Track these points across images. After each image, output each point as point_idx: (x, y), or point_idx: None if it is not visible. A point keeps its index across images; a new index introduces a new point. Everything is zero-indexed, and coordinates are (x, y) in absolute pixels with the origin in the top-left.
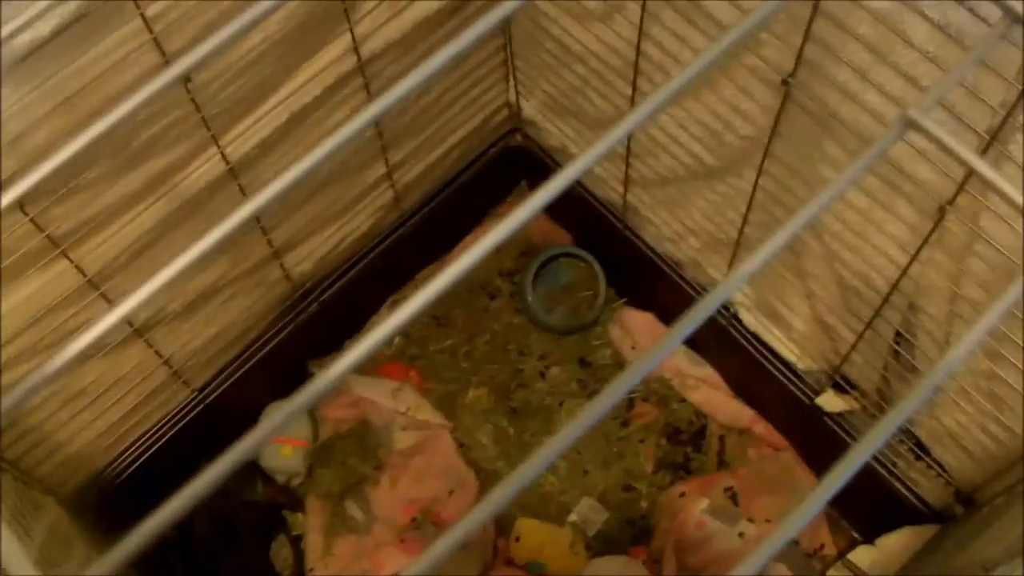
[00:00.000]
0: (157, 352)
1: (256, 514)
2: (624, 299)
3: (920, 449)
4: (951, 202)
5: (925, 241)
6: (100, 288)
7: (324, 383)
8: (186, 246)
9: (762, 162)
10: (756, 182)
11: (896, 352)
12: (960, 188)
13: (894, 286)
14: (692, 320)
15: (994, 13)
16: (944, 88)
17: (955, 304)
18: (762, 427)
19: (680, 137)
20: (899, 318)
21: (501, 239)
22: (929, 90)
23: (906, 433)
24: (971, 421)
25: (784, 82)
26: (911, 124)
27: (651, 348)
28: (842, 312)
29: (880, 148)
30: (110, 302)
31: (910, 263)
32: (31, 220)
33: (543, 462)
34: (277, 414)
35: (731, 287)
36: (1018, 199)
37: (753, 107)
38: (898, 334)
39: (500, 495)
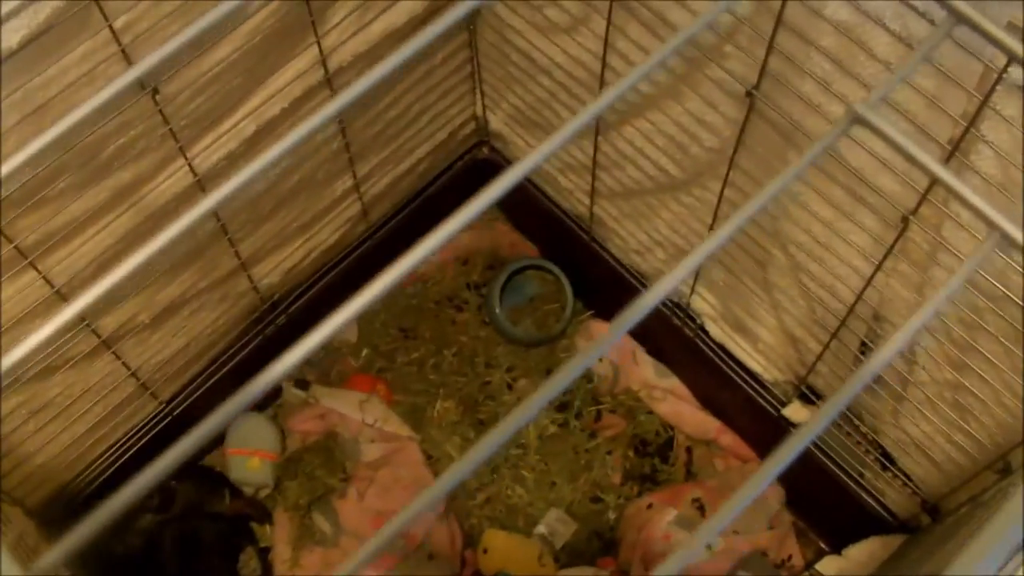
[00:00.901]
0: (125, 364)
1: (223, 526)
2: (591, 312)
3: (886, 459)
4: (914, 212)
5: (889, 251)
6: (67, 300)
7: (275, 374)
8: (153, 259)
9: (727, 174)
10: (721, 193)
11: (861, 362)
12: (923, 198)
13: (859, 297)
14: (640, 308)
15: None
16: (891, 84)
17: (918, 314)
18: (729, 438)
19: (646, 149)
20: (864, 328)
21: (454, 231)
22: (876, 87)
23: (872, 443)
24: (936, 431)
25: (748, 94)
26: (858, 120)
27: (600, 336)
28: (808, 323)
29: (828, 142)
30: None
31: (874, 273)
32: None
33: (494, 444)
34: (238, 420)
35: (677, 277)
36: (979, 205)
37: (718, 119)
38: (863, 344)
39: (450, 478)
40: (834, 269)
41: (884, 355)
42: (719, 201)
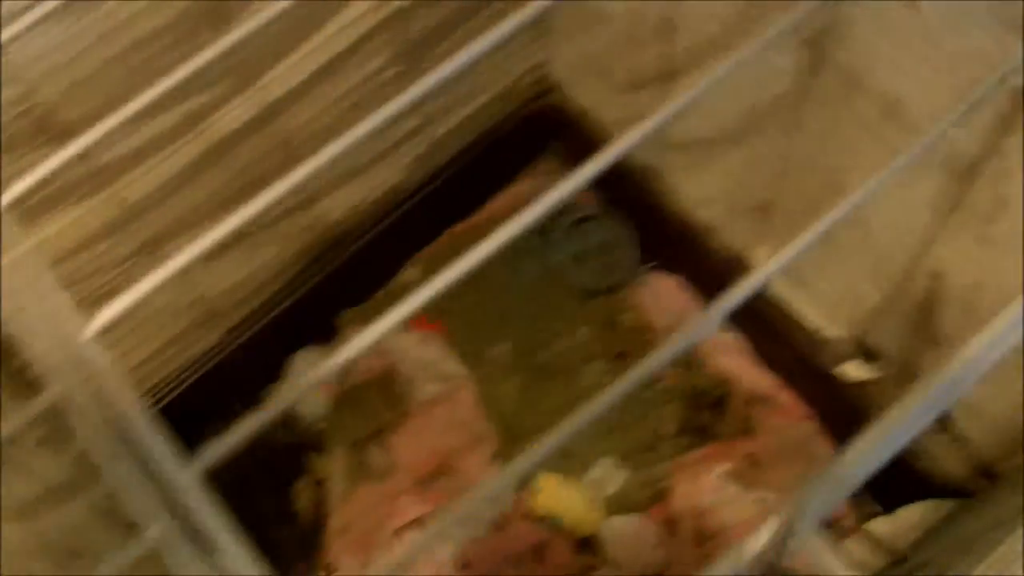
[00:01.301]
0: (190, 289)
1: (278, 456)
2: (653, 263)
3: (943, 419)
4: (981, 161)
5: (955, 203)
6: (135, 222)
7: (363, 343)
8: (217, 190)
9: (792, 123)
10: (787, 144)
11: (921, 319)
12: (990, 147)
13: (923, 250)
14: (730, 300)
15: None
16: None
17: (982, 270)
18: (785, 395)
19: (713, 95)
20: (926, 283)
21: (539, 215)
22: None
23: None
24: (997, 390)
25: (818, 39)
26: None
27: (689, 324)
28: (870, 277)
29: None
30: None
31: (939, 226)
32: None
33: (570, 430)
34: (318, 366)
35: (770, 271)
36: None
37: (788, 63)
38: (925, 301)
39: (526, 462)
40: (897, 221)
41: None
42: (784, 152)
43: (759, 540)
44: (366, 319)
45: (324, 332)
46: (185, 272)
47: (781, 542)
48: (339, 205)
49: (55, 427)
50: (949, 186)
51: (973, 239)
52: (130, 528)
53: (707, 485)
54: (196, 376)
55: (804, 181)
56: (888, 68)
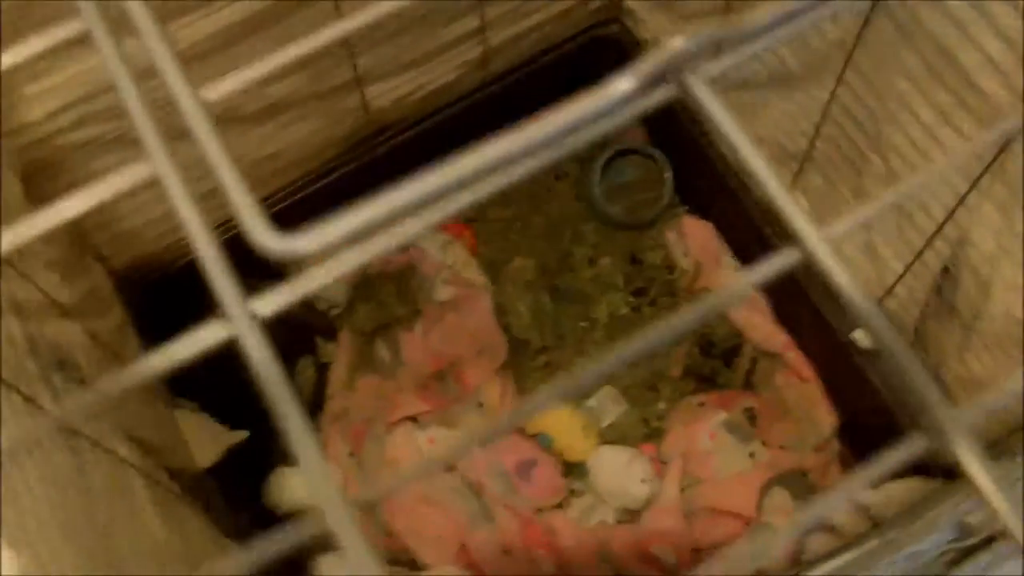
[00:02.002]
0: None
1: (288, 329)
2: (686, 207)
3: (945, 396)
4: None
5: (987, 168)
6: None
7: (393, 239)
8: (270, 49)
9: (843, 70)
10: (834, 91)
11: (939, 289)
12: None
13: (950, 214)
14: (767, 268)
15: None
16: None
17: (1003, 240)
18: (794, 355)
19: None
20: (948, 252)
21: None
22: None
23: (935, 379)
24: (1000, 370)
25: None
26: None
27: (721, 290)
28: (894, 240)
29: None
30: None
31: (969, 190)
32: None
33: (588, 381)
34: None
35: (816, 241)
36: None
37: (844, 8)
38: (944, 269)
39: (539, 401)
40: (929, 181)
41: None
42: (830, 100)
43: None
44: None
45: None
46: (223, 129)
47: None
48: (386, 94)
49: None
50: (984, 149)
51: (997, 208)
52: None
53: (702, 431)
54: (221, 240)
55: (847, 134)
56: (941, 21)
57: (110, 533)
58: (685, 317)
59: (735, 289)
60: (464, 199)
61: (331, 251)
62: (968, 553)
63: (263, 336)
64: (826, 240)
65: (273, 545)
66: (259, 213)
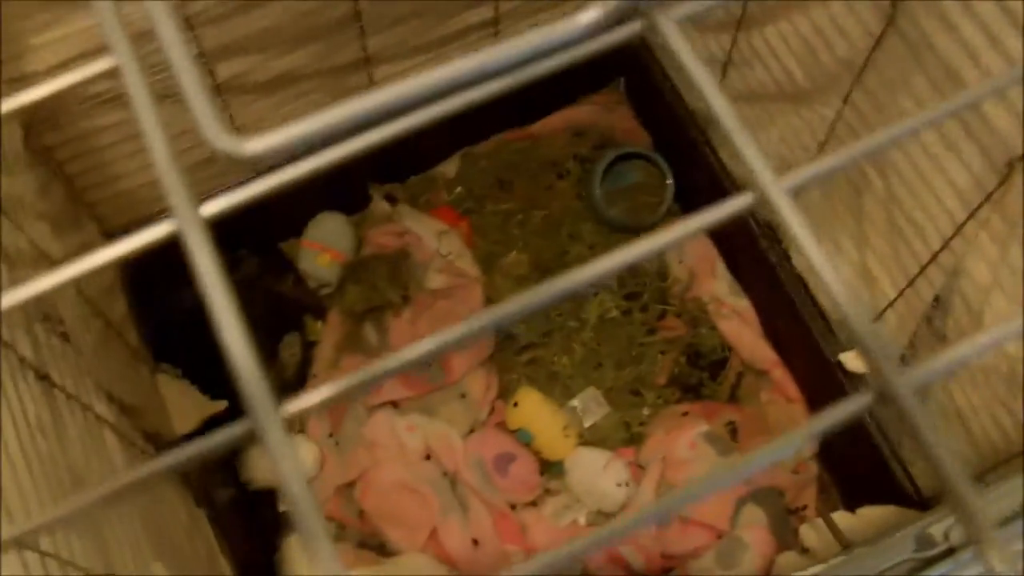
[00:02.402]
0: (231, 115)
1: (277, 305)
2: (685, 215)
3: None
4: (1022, 158)
5: (987, 198)
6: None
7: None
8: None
9: (851, 89)
10: (841, 110)
11: (929, 318)
12: None
13: (946, 243)
14: (720, 211)
15: None
16: None
17: (998, 273)
18: (781, 373)
19: (779, 50)
20: (941, 280)
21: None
22: None
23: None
24: (983, 404)
25: (893, 3)
26: None
27: (668, 230)
28: (889, 264)
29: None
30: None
31: (967, 219)
32: None
33: (558, 290)
34: (321, 216)
35: (770, 185)
36: None
37: (856, 28)
38: (936, 298)
39: (509, 309)
40: (928, 207)
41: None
42: (836, 118)
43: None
44: (393, 198)
45: (349, 200)
46: (228, 97)
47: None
48: (393, 77)
49: None
50: (985, 177)
51: (993, 239)
52: None
53: (682, 440)
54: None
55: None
56: (952, 44)
57: (82, 483)
58: (619, 255)
59: (681, 229)
60: (423, 116)
61: (284, 155)
62: (929, 563)
63: (206, 234)
64: (782, 188)
65: (199, 447)
66: (216, 116)
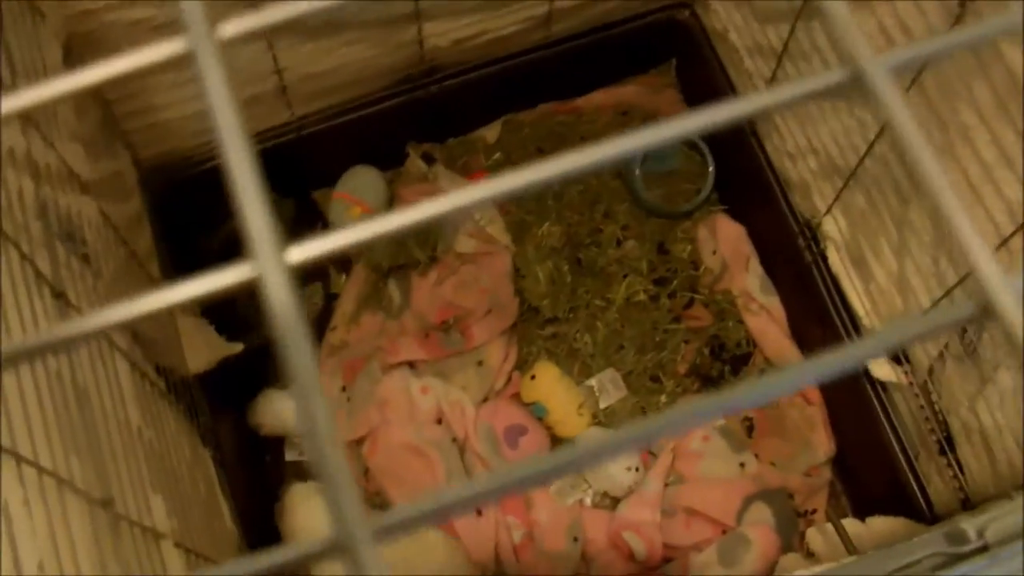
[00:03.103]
0: (274, 56)
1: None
2: (723, 206)
3: (947, 443)
4: None
5: None
6: None
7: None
8: None
9: (908, 89)
10: None
11: (964, 329)
12: None
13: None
14: (814, 83)
15: None
16: None
17: None
18: None
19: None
20: (979, 296)
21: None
22: None
23: (940, 423)
24: (1008, 426)
25: (962, 3)
26: None
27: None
28: (927, 275)
29: None
30: None
31: (1013, 234)
32: None
33: (520, 185)
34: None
35: (872, 63)
36: None
37: (922, 27)
38: (970, 318)
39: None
40: (977, 220)
41: None
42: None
43: None
44: (430, 158)
45: (386, 156)
46: (271, 40)
47: None
48: (445, 35)
49: None
50: None
51: None
52: None
53: (697, 432)
54: (256, 150)
55: (900, 157)
56: (1016, 54)
57: (87, 401)
58: (641, 136)
59: (768, 98)
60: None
61: None
62: (959, 559)
63: (291, 282)
64: (884, 64)
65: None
66: None
